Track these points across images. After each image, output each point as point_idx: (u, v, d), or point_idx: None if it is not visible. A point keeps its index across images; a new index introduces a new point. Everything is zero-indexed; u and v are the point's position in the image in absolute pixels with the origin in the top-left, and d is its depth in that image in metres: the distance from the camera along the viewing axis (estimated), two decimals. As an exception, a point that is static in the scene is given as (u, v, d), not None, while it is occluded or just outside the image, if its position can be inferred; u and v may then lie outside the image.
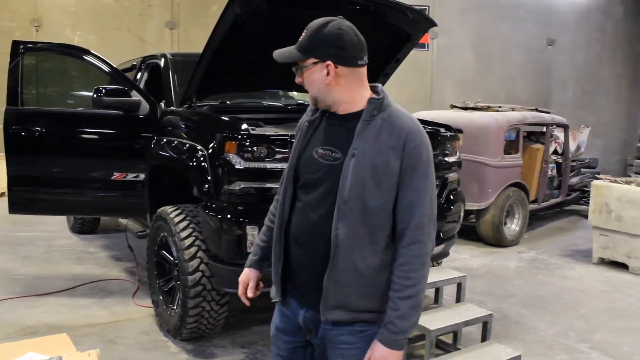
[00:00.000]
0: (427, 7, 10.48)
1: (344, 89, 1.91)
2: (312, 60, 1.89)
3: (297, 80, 1.97)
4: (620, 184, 6.37)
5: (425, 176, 1.88)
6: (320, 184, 1.93)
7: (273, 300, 2.14)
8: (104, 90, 4.46)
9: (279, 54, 1.96)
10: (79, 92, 5.63)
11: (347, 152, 1.87)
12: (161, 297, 4.20)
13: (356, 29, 1.92)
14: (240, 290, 2.21)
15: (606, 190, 6.34)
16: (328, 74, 1.89)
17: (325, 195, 1.91)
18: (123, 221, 5.78)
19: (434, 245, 1.94)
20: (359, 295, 1.91)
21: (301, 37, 1.92)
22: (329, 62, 1.88)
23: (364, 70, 1.95)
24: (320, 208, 1.92)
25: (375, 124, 1.88)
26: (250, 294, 2.19)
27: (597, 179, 6.80)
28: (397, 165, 1.85)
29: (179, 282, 3.89)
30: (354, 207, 1.85)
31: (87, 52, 4.83)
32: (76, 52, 4.89)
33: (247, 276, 2.21)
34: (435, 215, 1.92)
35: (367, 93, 1.95)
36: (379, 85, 1.98)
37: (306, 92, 2.00)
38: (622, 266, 6.28)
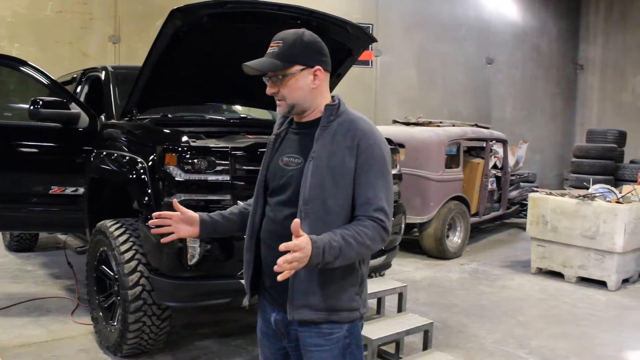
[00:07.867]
0: (370, 25, 10.68)
1: (322, 93, 2.02)
2: (298, 67, 1.95)
3: (271, 90, 1.98)
4: (555, 196, 6.61)
5: (381, 174, 1.95)
6: (286, 189, 2.01)
7: (242, 305, 2.16)
8: (41, 102, 4.36)
9: (258, 64, 1.95)
10: (17, 105, 5.48)
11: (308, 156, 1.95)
12: (101, 314, 4.10)
13: None
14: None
15: (542, 202, 6.57)
16: (314, 79, 1.97)
17: (289, 198, 1.99)
18: (62, 237, 5.63)
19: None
20: (325, 293, 1.95)
21: (275, 47, 1.95)
22: (318, 68, 1.98)
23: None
24: (286, 210, 2.00)
25: (331, 128, 1.96)
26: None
27: (535, 192, 7.03)
28: (352, 163, 1.93)
29: (119, 297, 3.81)
30: (315, 206, 1.92)
31: (24, 63, 4.71)
32: (12, 63, 4.76)
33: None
34: (391, 214, 1.98)
35: (328, 100, 2.04)
36: (336, 94, 2.07)
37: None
38: (558, 275, 6.50)
